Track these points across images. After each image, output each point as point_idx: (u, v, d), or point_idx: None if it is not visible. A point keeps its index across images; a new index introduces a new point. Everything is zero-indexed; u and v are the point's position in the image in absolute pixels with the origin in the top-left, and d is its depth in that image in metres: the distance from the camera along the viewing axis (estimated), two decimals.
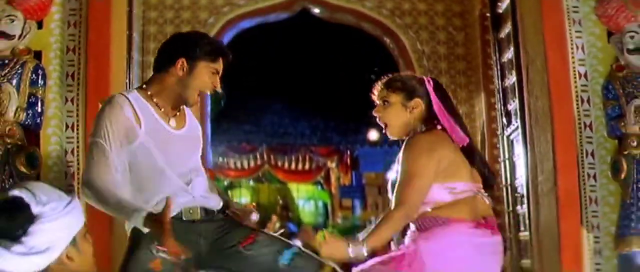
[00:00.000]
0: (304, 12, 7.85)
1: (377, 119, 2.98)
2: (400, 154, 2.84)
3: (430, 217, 2.75)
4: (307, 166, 15.23)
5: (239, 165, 14.87)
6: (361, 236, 2.70)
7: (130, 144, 2.71)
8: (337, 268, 2.82)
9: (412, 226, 2.82)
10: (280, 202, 17.03)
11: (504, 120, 5.51)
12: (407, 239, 2.83)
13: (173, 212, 2.67)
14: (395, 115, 2.91)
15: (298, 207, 17.44)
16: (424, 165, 2.73)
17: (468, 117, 7.20)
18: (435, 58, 7.65)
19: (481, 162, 2.94)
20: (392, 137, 2.95)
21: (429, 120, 2.89)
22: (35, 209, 1.89)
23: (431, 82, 2.91)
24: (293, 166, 15.29)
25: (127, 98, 2.76)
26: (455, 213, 2.75)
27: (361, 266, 2.81)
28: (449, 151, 2.80)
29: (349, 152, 15.30)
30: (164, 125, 2.80)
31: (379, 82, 2.98)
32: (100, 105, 2.86)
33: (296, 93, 14.17)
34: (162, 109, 2.80)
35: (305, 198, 17.61)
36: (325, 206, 17.28)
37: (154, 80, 2.87)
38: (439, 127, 2.84)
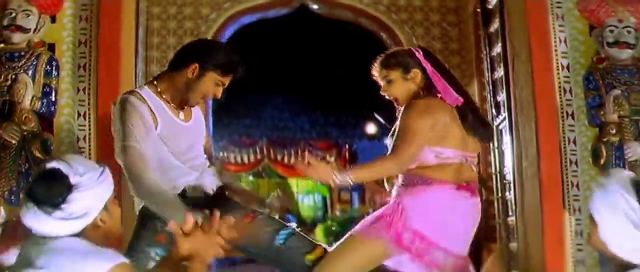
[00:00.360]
0: (303, 8, 7.84)
1: (386, 96, 3.16)
2: (400, 116, 3.02)
3: (416, 175, 2.94)
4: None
5: (239, 159, 14.80)
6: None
7: (147, 136, 2.88)
8: (328, 248, 3.03)
9: (399, 181, 3.01)
10: (280, 194, 17.02)
11: (493, 111, 5.68)
12: (393, 192, 3.04)
13: (178, 190, 2.91)
14: (400, 90, 3.10)
15: (297, 202, 17.27)
16: (420, 126, 2.91)
17: None
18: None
19: (476, 119, 3.08)
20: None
21: (429, 87, 3.06)
22: (72, 179, 2.07)
23: (420, 51, 3.10)
24: (292, 160, 14.89)
25: (142, 96, 2.92)
26: (439, 175, 2.94)
27: (357, 226, 3.06)
28: (444, 116, 2.97)
29: (347, 146, 15.20)
30: (174, 119, 2.97)
31: (376, 64, 3.16)
32: (112, 106, 2.97)
33: (296, 88, 14.07)
34: (172, 104, 2.97)
35: (305, 192, 17.49)
36: (324, 199, 17.24)
37: (164, 77, 3.04)
38: (438, 95, 3.03)
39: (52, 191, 2.06)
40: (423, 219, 2.91)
